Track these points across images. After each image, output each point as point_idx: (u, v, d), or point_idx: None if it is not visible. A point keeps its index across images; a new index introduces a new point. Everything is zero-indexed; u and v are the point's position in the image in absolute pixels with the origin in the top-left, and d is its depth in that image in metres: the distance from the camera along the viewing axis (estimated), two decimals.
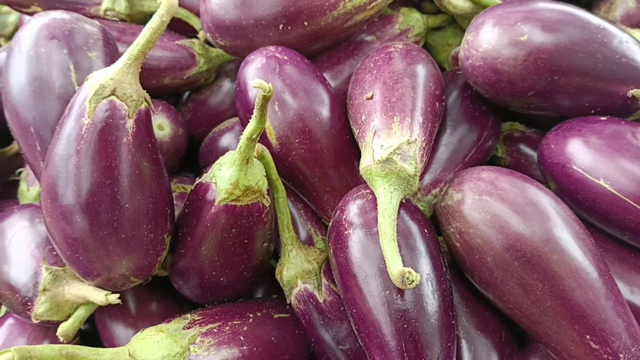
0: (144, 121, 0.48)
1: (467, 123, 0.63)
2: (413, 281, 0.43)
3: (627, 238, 0.54)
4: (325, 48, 0.68)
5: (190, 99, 0.77)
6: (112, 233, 0.47)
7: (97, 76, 0.47)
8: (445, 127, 0.64)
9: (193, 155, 0.75)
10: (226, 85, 0.76)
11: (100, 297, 0.50)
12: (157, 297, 0.60)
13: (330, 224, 0.54)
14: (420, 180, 0.60)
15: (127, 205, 0.47)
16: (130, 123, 0.46)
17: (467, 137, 0.63)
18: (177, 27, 0.76)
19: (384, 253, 0.45)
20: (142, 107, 0.48)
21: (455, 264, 0.54)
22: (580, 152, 0.54)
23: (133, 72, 0.47)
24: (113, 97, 0.46)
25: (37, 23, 0.56)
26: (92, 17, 0.73)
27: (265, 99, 0.43)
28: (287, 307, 0.58)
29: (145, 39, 0.47)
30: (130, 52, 0.47)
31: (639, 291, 0.53)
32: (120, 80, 0.46)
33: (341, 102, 0.61)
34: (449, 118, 0.64)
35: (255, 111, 0.45)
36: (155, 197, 0.49)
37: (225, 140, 0.69)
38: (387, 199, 0.48)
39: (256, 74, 0.58)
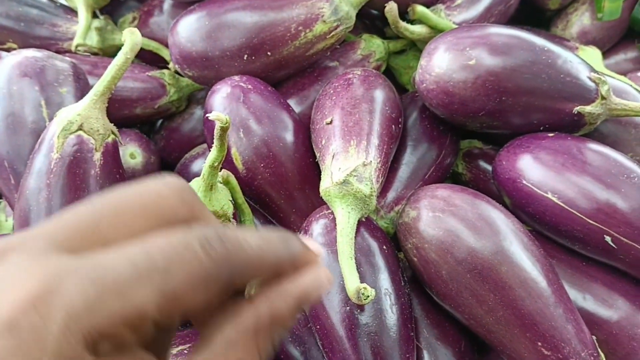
0: (111, 153, 0.50)
1: (426, 142, 0.66)
2: (368, 296, 0.45)
3: (577, 247, 0.57)
4: (290, 75, 0.72)
5: (163, 127, 0.80)
6: None
7: (65, 113, 0.49)
8: (406, 146, 0.67)
9: None
10: (197, 112, 0.79)
11: None
12: None
13: None
14: (383, 198, 0.63)
15: None
16: (97, 156, 0.49)
17: (426, 155, 0.66)
18: (149, 59, 0.79)
19: (342, 270, 0.48)
20: (109, 140, 0.50)
21: (416, 278, 0.57)
22: (529, 168, 0.57)
23: (100, 107, 0.50)
24: (80, 132, 0.48)
25: (10, 62, 0.59)
26: (66, 51, 0.76)
27: (223, 130, 0.46)
28: None
29: (110, 76, 0.50)
30: (96, 89, 0.50)
31: (591, 297, 0.56)
32: (87, 116, 0.49)
33: (305, 127, 0.64)
34: (409, 138, 0.67)
35: (215, 141, 0.47)
36: None
37: (197, 165, 0.71)
38: (345, 218, 0.51)
39: (222, 103, 0.61)
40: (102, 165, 0.49)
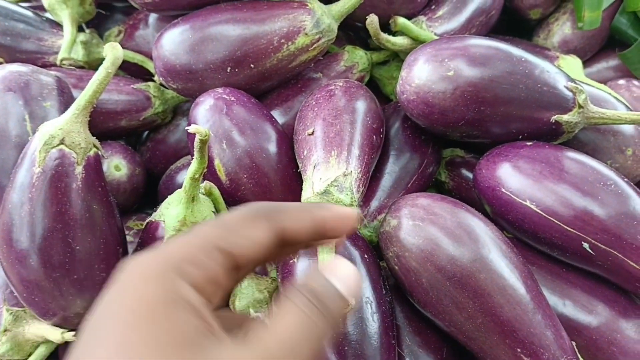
0: (93, 166, 0.51)
1: (408, 152, 0.67)
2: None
3: (556, 254, 0.58)
4: (274, 87, 0.72)
5: (149, 139, 0.80)
6: (65, 274, 0.49)
7: (47, 127, 0.50)
8: (389, 156, 0.68)
9: (155, 192, 0.78)
10: (183, 124, 0.79)
11: (57, 335, 0.52)
12: None
13: None
14: (366, 207, 0.64)
15: (78, 248, 0.49)
16: (79, 169, 0.49)
17: (409, 164, 0.67)
18: (134, 71, 0.80)
19: None
20: (91, 153, 0.51)
21: (399, 287, 0.57)
22: (508, 176, 0.58)
23: (81, 121, 0.50)
24: (62, 146, 0.49)
25: None
26: (52, 65, 0.76)
27: (203, 142, 0.47)
28: None
29: (92, 90, 0.50)
30: (78, 103, 0.50)
31: (571, 303, 0.57)
32: (68, 130, 0.49)
33: (288, 138, 0.65)
34: (392, 147, 0.68)
35: (195, 153, 0.48)
36: (107, 238, 0.52)
37: (182, 177, 0.72)
38: None
39: (205, 115, 0.62)
40: (84, 179, 0.50)
